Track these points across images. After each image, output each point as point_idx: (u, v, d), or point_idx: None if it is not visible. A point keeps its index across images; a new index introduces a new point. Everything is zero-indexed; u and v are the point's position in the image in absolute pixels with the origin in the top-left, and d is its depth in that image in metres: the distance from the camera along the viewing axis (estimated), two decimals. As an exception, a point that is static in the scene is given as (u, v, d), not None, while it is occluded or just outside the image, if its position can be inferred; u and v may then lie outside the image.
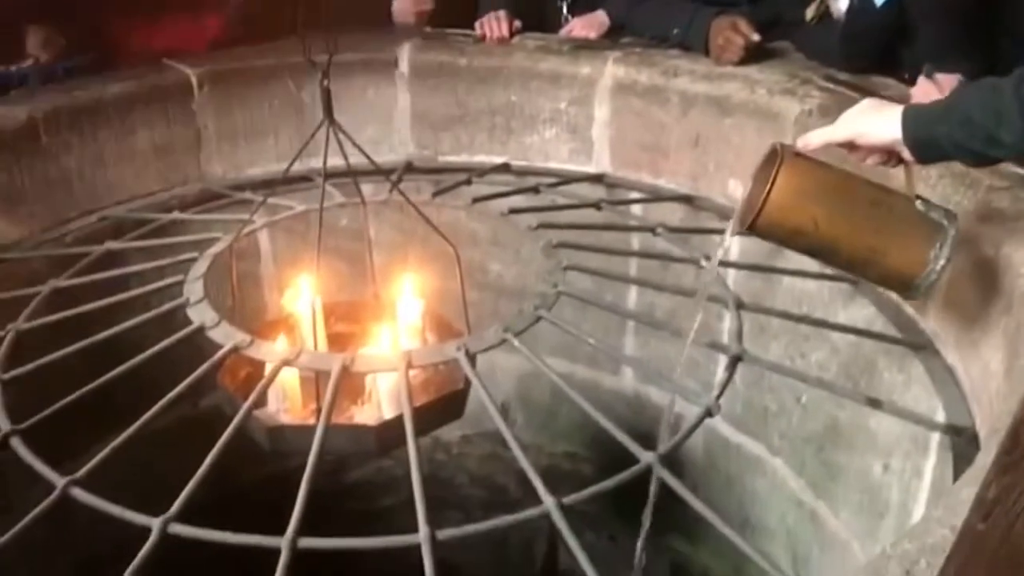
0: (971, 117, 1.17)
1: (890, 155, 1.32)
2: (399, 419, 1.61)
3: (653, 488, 1.44)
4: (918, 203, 1.32)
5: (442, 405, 1.72)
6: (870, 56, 2.22)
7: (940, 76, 1.80)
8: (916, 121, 1.23)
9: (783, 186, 1.28)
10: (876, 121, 1.27)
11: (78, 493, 1.26)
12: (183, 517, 1.21)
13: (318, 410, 1.63)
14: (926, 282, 1.32)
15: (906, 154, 1.29)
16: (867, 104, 1.33)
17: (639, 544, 1.60)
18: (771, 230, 1.36)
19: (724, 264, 2.04)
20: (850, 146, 1.33)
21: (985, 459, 1.07)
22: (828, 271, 1.91)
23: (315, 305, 1.71)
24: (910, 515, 1.68)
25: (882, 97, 2.02)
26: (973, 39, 1.91)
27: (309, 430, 1.58)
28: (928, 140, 1.23)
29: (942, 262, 1.30)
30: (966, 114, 1.17)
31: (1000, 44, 1.90)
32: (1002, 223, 1.48)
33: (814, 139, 1.32)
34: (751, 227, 1.34)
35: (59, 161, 2.12)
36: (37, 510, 1.24)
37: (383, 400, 1.72)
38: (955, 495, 0.98)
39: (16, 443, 1.37)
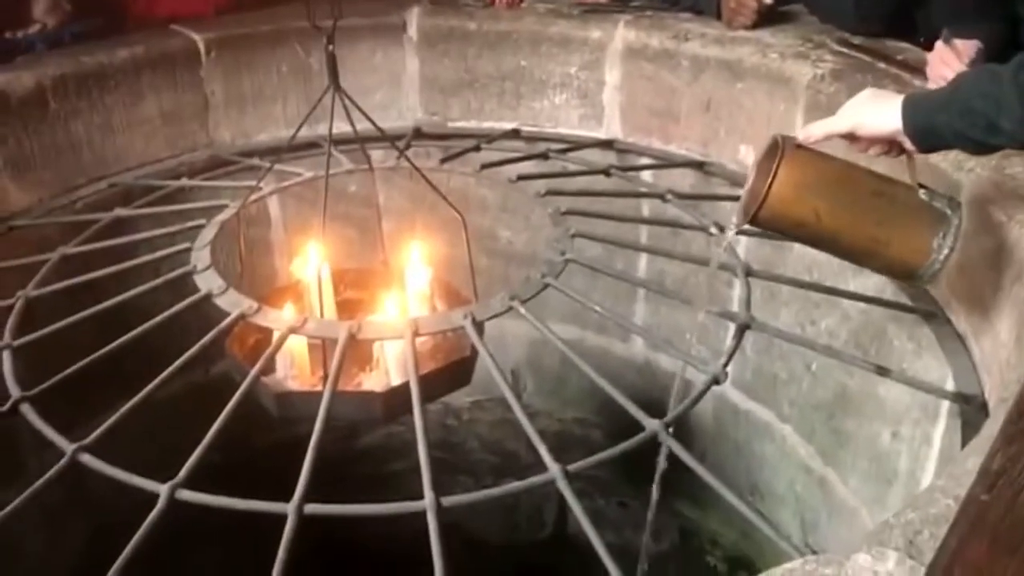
0: (971, 105, 1.16)
1: (891, 145, 1.31)
2: (406, 386, 1.62)
3: (661, 458, 1.44)
4: (921, 193, 1.31)
5: (449, 372, 1.72)
6: (884, 20, 2.18)
7: (958, 42, 1.77)
8: (916, 110, 1.23)
9: (785, 179, 1.28)
10: (876, 111, 1.26)
11: (87, 459, 1.27)
12: (191, 483, 1.22)
13: (325, 377, 1.64)
14: (929, 271, 1.31)
15: (907, 144, 1.28)
16: (867, 94, 1.32)
17: (649, 515, 1.61)
18: (773, 222, 1.35)
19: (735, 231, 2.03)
20: (851, 137, 1.33)
21: (992, 429, 1.07)
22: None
23: (321, 272, 1.70)
24: (918, 483, 1.68)
25: (894, 63, 2.00)
26: (991, 2, 1.88)
27: (316, 396, 1.59)
28: (928, 129, 1.23)
29: (946, 251, 1.29)
30: (966, 103, 1.17)
31: (1019, 9, 1.86)
32: (1015, 190, 1.47)
33: (816, 131, 1.31)
34: (753, 219, 1.34)
35: (67, 128, 2.12)
36: (47, 475, 1.26)
37: (391, 367, 1.72)
38: (960, 465, 0.98)
39: (26, 409, 1.39)
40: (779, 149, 1.30)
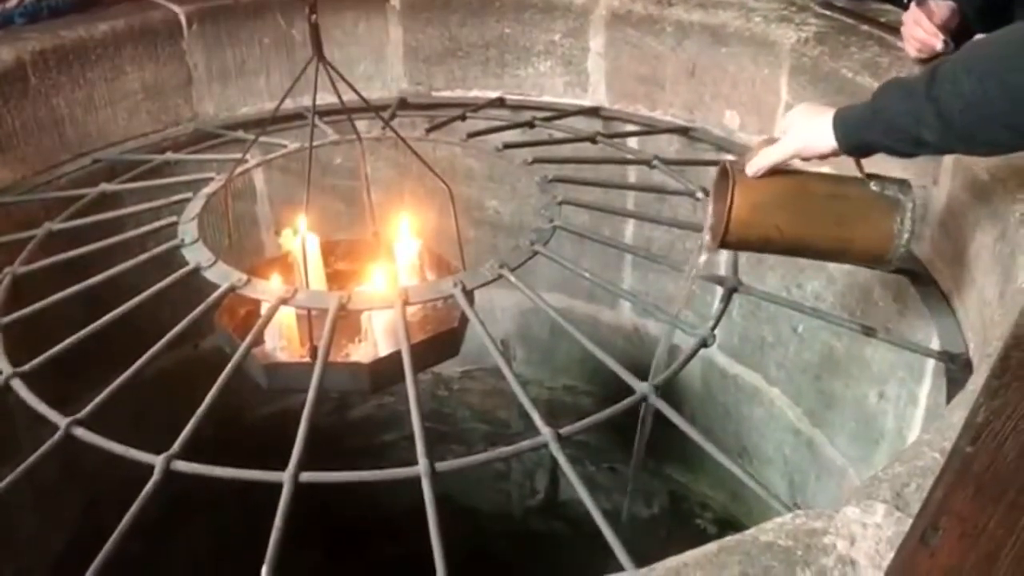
0: (894, 124, 1.18)
1: (830, 157, 1.35)
2: (392, 356, 1.63)
3: (642, 413, 1.46)
4: (872, 184, 1.34)
5: (437, 343, 1.73)
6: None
7: (932, 2, 1.77)
8: (846, 129, 1.26)
9: (741, 204, 1.33)
10: (813, 133, 1.29)
11: (81, 433, 1.27)
12: (186, 455, 1.23)
13: (312, 348, 1.65)
14: (896, 255, 1.35)
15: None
16: (801, 111, 1.34)
17: (631, 467, 1.63)
18: (741, 244, 1.42)
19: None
20: (797, 158, 1.35)
21: (976, 384, 1.09)
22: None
23: (305, 243, 1.70)
24: (905, 441, 1.70)
25: (877, 25, 2.00)
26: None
27: (305, 367, 1.60)
28: (861, 145, 1.26)
29: (907, 234, 1.33)
30: (888, 121, 1.19)
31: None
32: (998, 149, 1.47)
33: (762, 162, 1.33)
34: (722, 245, 1.40)
35: (49, 103, 2.10)
36: (41, 449, 1.26)
37: (378, 338, 1.73)
38: (946, 419, 1.00)
39: (18, 385, 1.39)
40: (729, 177, 1.34)
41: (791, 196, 1.34)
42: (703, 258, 1.51)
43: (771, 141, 1.34)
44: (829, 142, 1.27)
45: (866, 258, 1.40)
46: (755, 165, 1.33)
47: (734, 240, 1.38)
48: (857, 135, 1.25)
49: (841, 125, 1.26)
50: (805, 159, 1.35)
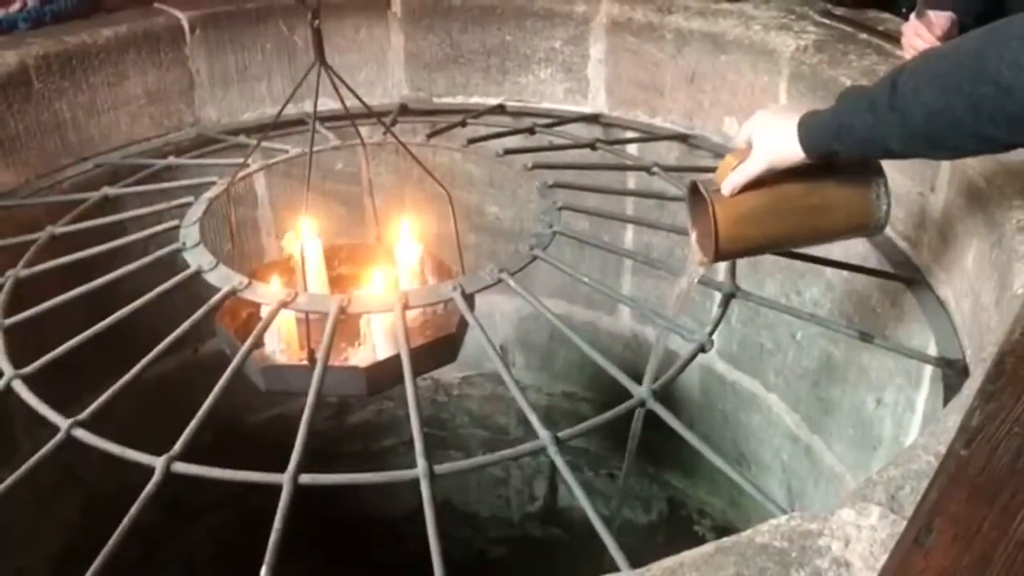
0: (858, 135, 1.18)
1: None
2: (389, 361, 1.63)
3: (636, 417, 1.46)
4: (841, 170, 1.35)
5: (435, 348, 1.73)
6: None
7: (932, 13, 1.78)
8: (812, 141, 1.25)
9: (725, 221, 1.34)
10: (780, 146, 1.28)
11: (82, 434, 1.28)
12: (186, 457, 1.23)
13: (310, 351, 1.65)
14: (881, 222, 1.37)
15: None
16: (762, 122, 1.32)
17: (624, 468, 1.63)
18: (734, 256, 1.49)
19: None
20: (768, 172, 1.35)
21: (971, 388, 1.09)
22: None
23: (305, 246, 1.71)
24: (902, 448, 1.71)
25: (875, 34, 2.01)
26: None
27: (303, 370, 1.60)
28: (829, 154, 1.26)
29: (885, 206, 1.35)
30: (852, 133, 1.19)
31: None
32: (993, 157, 1.48)
33: (736, 180, 1.33)
34: (715, 260, 1.42)
35: (52, 107, 2.11)
36: (43, 450, 1.27)
37: (377, 342, 1.73)
38: (941, 423, 1.00)
39: (19, 387, 1.39)
40: (704, 197, 1.35)
41: (770, 202, 1.35)
42: (695, 278, 1.52)
43: (739, 155, 1.33)
44: (797, 153, 1.27)
45: (855, 233, 1.43)
46: (730, 185, 1.33)
47: (726, 254, 1.41)
48: (823, 145, 1.24)
49: (806, 137, 1.25)
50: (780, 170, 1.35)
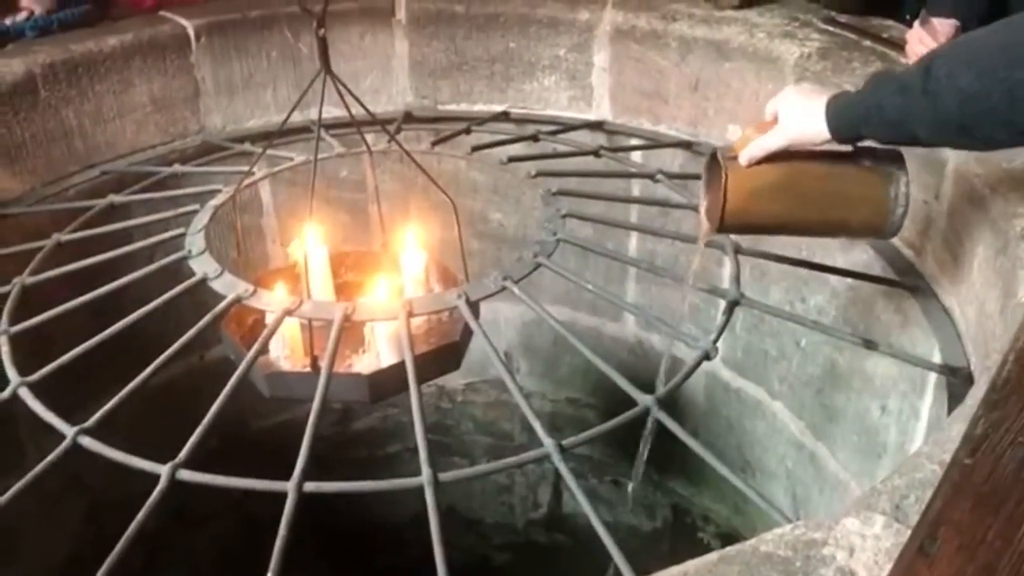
0: (888, 118, 1.17)
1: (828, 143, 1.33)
2: (392, 368, 1.64)
3: (650, 425, 1.46)
4: (865, 160, 1.33)
5: (438, 356, 1.73)
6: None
7: (936, 21, 1.78)
8: (839, 122, 1.24)
9: (736, 193, 1.32)
10: (805, 124, 1.27)
11: (88, 442, 1.28)
12: (191, 464, 1.24)
13: (313, 358, 1.65)
14: (894, 226, 1.35)
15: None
16: (790, 97, 1.31)
17: (634, 475, 1.62)
18: (739, 230, 1.44)
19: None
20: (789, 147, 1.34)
21: (975, 396, 1.09)
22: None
23: (309, 254, 1.71)
24: (907, 455, 1.70)
25: (879, 41, 2.01)
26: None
27: (307, 377, 1.61)
28: (855, 137, 1.25)
29: (902, 204, 1.32)
30: (882, 116, 1.18)
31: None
32: (997, 164, 1.49)
33: (755, 152, 1.32)
34: (720, 231, 1.40)
35: (58, 115, 2.12)
36: (49, 458, 1.27)
37: (380, 349, 1.73)
38: (945, 432, 1.00)
39: (25, 394, 1.40)
40: (720, 166, 1.33)
41: (785, 180, 1.33)
42: (700, 245, 1.52)
43: (762, 127, 1.32)
44: (822, 133, 1.26)
45: (866, 232, 1.40)
46: (747, 155, 1.31)
47: (731, 225, 1.38)
48: (850, 128, 1.23)
49: (834, 117, 1.24)
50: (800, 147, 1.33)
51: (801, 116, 1.28)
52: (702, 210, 1.45)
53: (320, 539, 2.46)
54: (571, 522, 2.98)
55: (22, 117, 2.05)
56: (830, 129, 1.25)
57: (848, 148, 1.33)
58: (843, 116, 1.24)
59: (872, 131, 1.21)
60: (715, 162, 1.37)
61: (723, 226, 1.36)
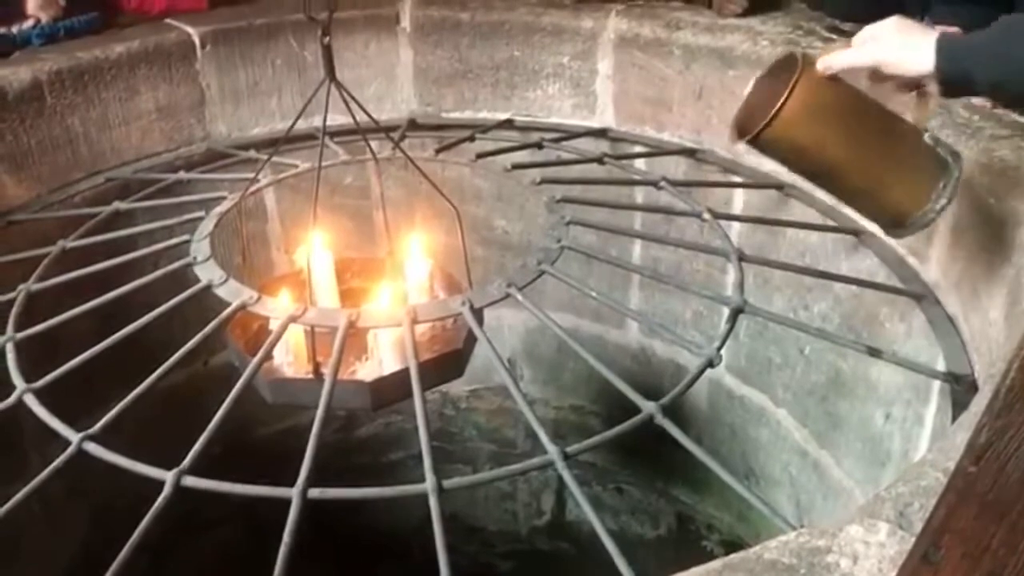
0: (1012, 55, 1.09)
1: (911, 84, 1.24)
2: (394, 376, 1.64)
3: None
4: (926, 137, 1.26)
5: (441, 363, 1.73)
6: (873, 5, 2.20)
7: (939, 28, 1.78)
8: (951, 56, 1.15)
9: (797, 100, 1.19)
10: (904, 50, 1.18)
11: (93, 448, 1.28)
12: (195, 470, 1.24)
13: (315, 365, 1.66)
14: (920, 221, 1.27)
15: (932, 87, 1.20)
16: (893, 25, 1.22)
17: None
18: (776, 144, 1.28)
19: (727, 217, 2.05)
20: (873, 71, 1.24)
21: (979, 404, 1.09)
22: (831, 223, 1.92)
23: (311, 261, 1.72)
24: (911, 463, 1.70)
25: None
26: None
27: (309, 384, 1.61)
28: (963, 78, 1.15)
29: (943, 202, 1.25)
30: (1008, 53, 1.09)
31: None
32: (1003, 172, 1.49)
33: (837, 61, 1.21)
34: (755, 138, 1.26)
35: (64, 122, 2.13)
36: (54, 464, 1.27)
37: (383, 356, 1.74)
38: (949, 439, 1.00)
39: (31, 401, 1.40)
40: (795, 66, 1.21)
41: (848, 113, 1.22)
42: (739, 145, 1.35)
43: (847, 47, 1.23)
44: (924, 64, 1.16)
45: (890, 212, 1.29)
46: (829, 61, 1.21)
47: (771, 138, 1.24)
48: (963, 66, 1.13)
49: (947, 51, 1.14)
50: (882, 79, 1.23)
51: (903, 43, 1.18)
52: (737, 114, 1.33)
53: (324, 546, 2.46)
54: (574, 530, 2.97)
55: (28, 124, 2.06)
56: (937, 64, 1.15)
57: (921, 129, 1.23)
58: (959, 52, 1.14)
59: (988, 68, 1.11)
60: (784, 68, 1.24)
61: (768, 128, 1.22)
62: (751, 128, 1.26)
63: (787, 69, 1.25)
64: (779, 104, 1.19)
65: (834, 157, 1.25)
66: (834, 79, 1.25)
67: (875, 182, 1.26)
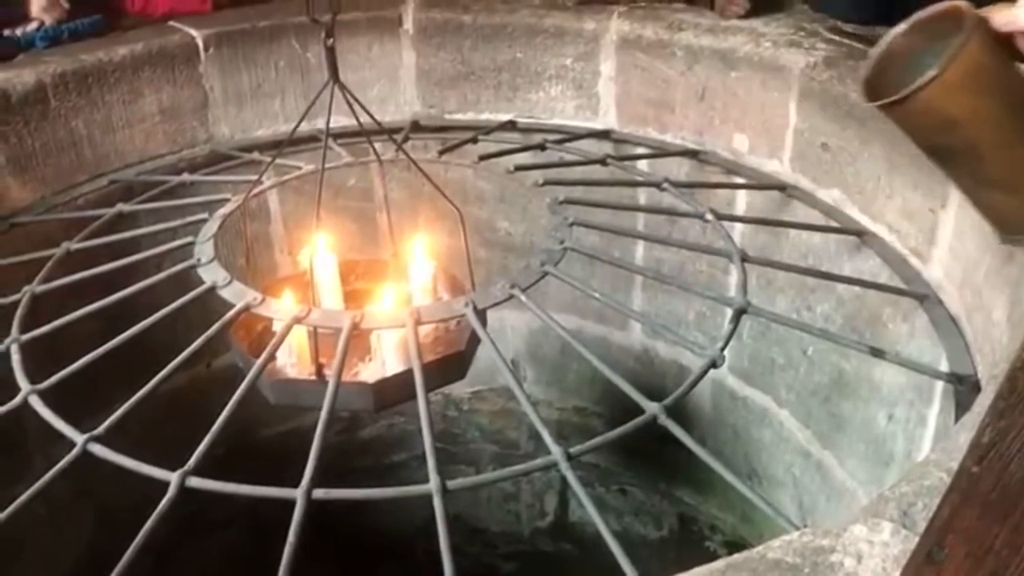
0: None
1: None
2: (397, 377, 1.64)
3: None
4: None
5: (444, 365, 1.73)
6: (876, 7, 2.20)
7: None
8: None
9: (963, 63, 1.01)
10: None
11: (97, 449, 1.29)
12: (200, 471, 1.24)
13: (319, 366, 1.66)
14: None
15: None
16: None
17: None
18: (924, 114, 1.08)
19: (729, 218, 2.05)
20: None
21: (983, 404, 1.09)
22: (833, 224, 1.92)
23: (314, 263, 1.72)
24: (914, 463, 1.70)
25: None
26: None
27: (312, 385, 1.61)
28: None
29: None
30: None
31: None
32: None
33: (1000, 19, 1.03)
34: (900, 102, 1.07)
35: (68, 124, 2.13)
36: (59, 465, 1.28)
37: (387, 357, 1.74)
38: (953, 439, 1.00)
39: (36, 402, 1.40)
40: (964, 22, 1.03)
41: (1012, 87, 1.05)
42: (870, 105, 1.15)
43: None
44: None
45: (1003, 213, 1.13)
46: (1006, 17, 1.03)
47: (922, 105, 1.05)
48: None
49: None
50: None
51: None
52: (867, 70, 1.16)
53: (326, 547, 2.47)
54: (577, 530, 2.98)
55: (32, 127, 2.06)
56: None
57: None
58: None
59: None
60: (942, 19, 1.08)
61: (920, 95, 1.04)
62: (883, 90, 1.09)
63: (944, 23, 1.08)
64: (944, 65, 1.02)
65: (981, 137, 1.07)
66: (1008, 42, 1.07)
67: (1012, 174, 1.10)
